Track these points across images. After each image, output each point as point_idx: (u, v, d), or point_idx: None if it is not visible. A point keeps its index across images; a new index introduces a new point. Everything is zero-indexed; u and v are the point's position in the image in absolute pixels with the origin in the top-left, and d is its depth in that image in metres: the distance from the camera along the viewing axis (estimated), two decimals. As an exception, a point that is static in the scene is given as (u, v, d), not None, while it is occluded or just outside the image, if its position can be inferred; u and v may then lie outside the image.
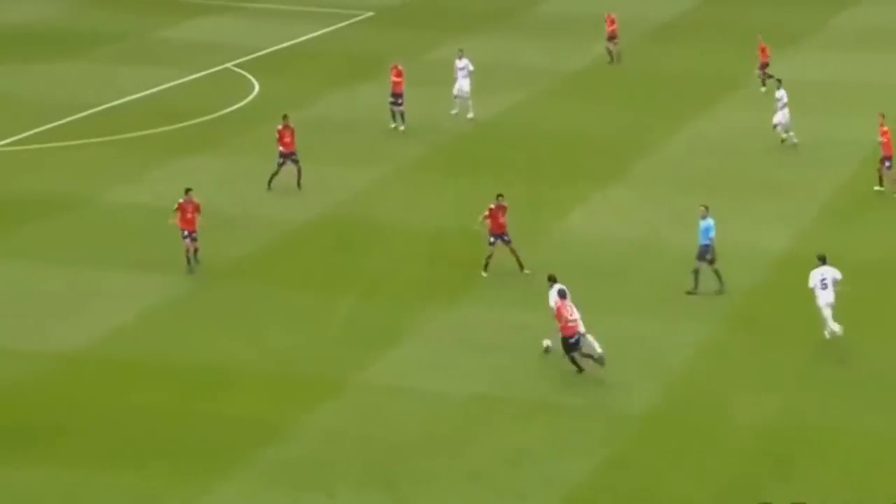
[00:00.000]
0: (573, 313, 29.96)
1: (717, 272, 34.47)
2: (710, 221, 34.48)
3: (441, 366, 30.88)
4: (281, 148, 41.78)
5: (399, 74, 48.10)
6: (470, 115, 49.67)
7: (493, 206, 35.53)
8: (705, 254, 34.44)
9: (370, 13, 68.45)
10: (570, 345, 30.01)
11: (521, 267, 35.52)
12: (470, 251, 36.41)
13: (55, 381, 30.21)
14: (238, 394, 29.67)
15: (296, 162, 41.87)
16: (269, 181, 41.76)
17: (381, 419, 28.56)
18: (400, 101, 47.96)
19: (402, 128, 47.97)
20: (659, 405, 29.18)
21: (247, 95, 52.81)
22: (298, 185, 41.92)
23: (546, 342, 31.11)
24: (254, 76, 55.59)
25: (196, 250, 36.18)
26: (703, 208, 34.68)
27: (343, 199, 41.55)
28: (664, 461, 27.01)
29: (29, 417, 28.60)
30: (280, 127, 42.12)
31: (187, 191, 36.53)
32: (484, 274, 35.40)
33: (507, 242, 35.51)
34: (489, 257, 35.45)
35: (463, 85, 49.66)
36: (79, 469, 26.56)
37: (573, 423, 28.40)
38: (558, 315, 30.07)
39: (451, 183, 42.81)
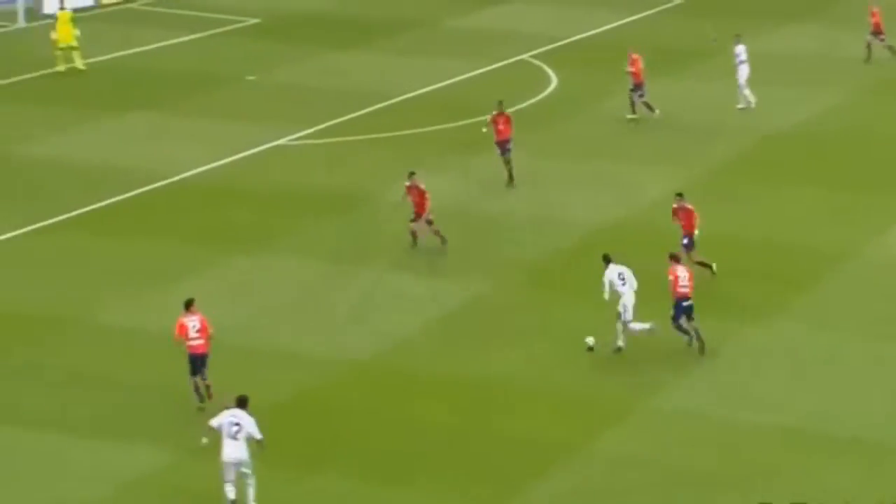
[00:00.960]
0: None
1: None
2: None
3: (739, 392, 29.93)
4: (496, 136, 41.59)
5: (634, 63, 47.26)
6: (739, 106, 48.93)
7: (675, 205, 35.16)
8: None
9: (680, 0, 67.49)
10: (683, 308, 30.42)
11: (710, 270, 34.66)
12: (780, 265, 35.24)
13: (337, 390, 30.47)
14: (519, 413, 29.36)
15: (506, 152, 41.59)
16: (510, 176, 41.61)
17: (671, 446, 27.85)
18: (640, 91, 47.29)
19: (629, 116, 47.38)
20: None
21: (544, 89, 52.57)
22: (511, 179, 41.61)
23: (589, 340, 30.62)
24: (552, 68, 55.32)
25: (437, 232, 36.62)
26: None
27: (643, 205, 40.71)
28: None
29: (309, 426, 29.01)
30: (494, 114, 41.95)
31: (411, 174, 36.62)
32: None
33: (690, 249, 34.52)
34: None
35: (739, 74, 48.89)
36: (349, 480, 26.80)
37: (893, 462, 27.10)
38: (674, 277, 30.57)
39: (760, 190, 41.66)
